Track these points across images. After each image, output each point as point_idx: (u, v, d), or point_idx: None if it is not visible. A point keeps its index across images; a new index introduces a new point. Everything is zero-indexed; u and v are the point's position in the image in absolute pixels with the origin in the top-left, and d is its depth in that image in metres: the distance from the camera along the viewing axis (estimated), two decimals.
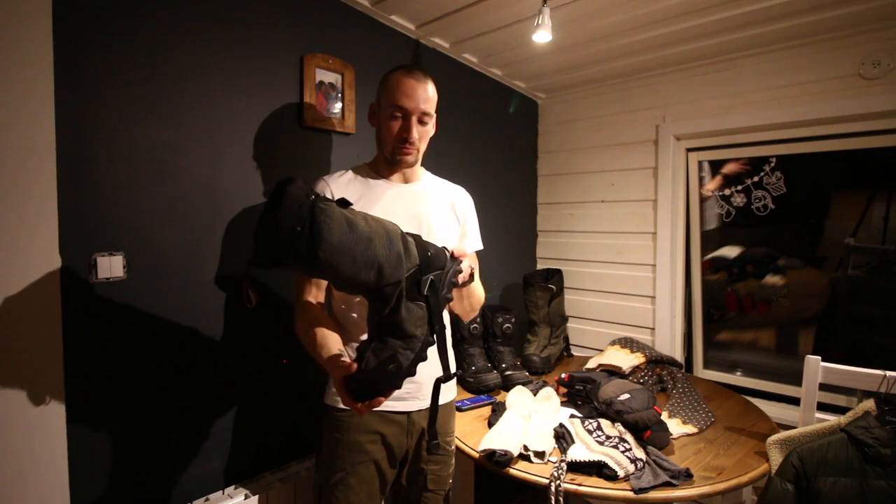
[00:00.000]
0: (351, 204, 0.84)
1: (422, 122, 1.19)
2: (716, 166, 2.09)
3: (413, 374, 0.87)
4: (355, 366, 0.86)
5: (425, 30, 1.82)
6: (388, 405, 1.18)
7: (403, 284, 0.85)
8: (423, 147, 1.23)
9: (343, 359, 0.92)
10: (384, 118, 1.19)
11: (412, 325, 0.86)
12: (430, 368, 1.21)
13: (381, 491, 1.21)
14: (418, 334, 0.87)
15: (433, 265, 0.90)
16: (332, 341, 1.00)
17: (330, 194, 1.17)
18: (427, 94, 1.18)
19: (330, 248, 0.74)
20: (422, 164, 1.33)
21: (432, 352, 0.92)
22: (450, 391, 1.32)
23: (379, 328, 0.88)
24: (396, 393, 1.17)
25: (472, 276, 1.02)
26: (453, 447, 1.33)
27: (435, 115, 1.24)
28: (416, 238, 0.91)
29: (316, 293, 1.16)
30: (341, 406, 1.19)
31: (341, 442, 1.18)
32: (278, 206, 0.71)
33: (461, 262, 0.97)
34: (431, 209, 1.24)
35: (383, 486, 1.21)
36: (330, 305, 1.24)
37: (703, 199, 2.13)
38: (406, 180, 1.26)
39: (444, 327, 0.91)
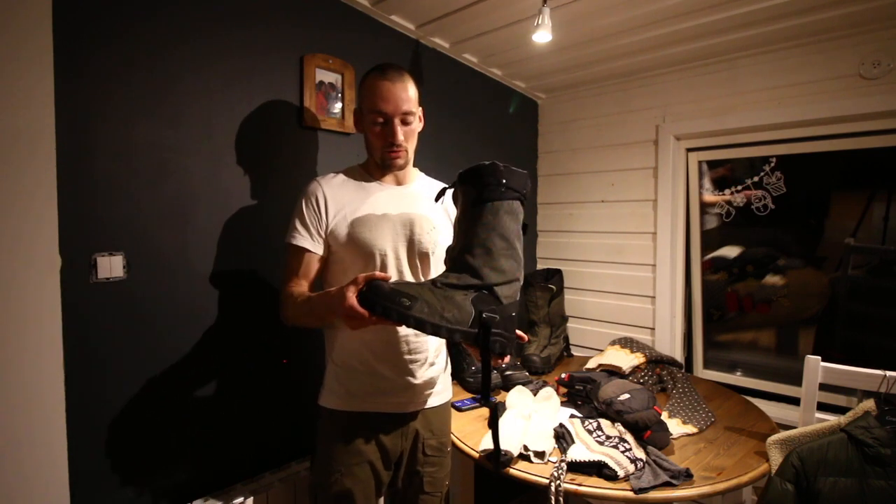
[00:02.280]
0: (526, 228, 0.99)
1: (405, 123, 1.18)
2: (721, 184, 2.09)
3: (409, 325, 0.86)
4: (385, 276, 0.90)
5: (425, 30, 1.82)
6: (381, 406, 1.19)
7: (476, 286, 0.90)
8: (411, 146, 1.23)
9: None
10: (367, 125, 1.19)
11: (449, 305, 0.87)
12: (423, 372, 1.22)
13: (376, 492, 1.21)
14: (448, 316, 0.86)
15: (504, 314, 0.91)
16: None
17: (322, 195, 1.17)
18: (405, 94, 1.17)
19: (492, 211, 0.94)
20: (420, 164, 1.34)
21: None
22: (446, 392, 1.32)
23: (439, 280, 0.91)
24: (390, 394, 1.18)
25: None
26: (449, 448, 1.33)
27: (419, 110, 1.23)
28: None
29: (303, 287, 1.17)
30: (335, 407, 1.20)
31: (335, 443, 1.18)
32: (516, 172, 0.97)
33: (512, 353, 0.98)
34: (424, 211, 1.24)
35: (379, 487, 1.21)
36: None
37: (706, 204, 2.13)
38: (398, 182, 1.26)
39: (488, 364, 0.93)
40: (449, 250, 0.99)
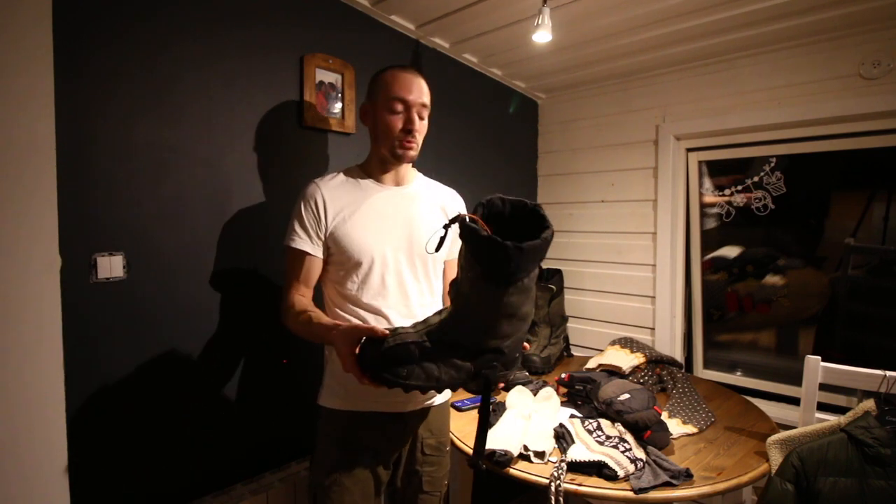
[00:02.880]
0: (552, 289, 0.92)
1: (420, 116, 1.19)
2: (721, 187, 2.10)
3: (407, 391, 0.87)
4: (383, 332, 0.88)
5: (425, 30, 1.82)
6: (380, 406, 1.19)
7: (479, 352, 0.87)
8: (420, 142, 1.23)
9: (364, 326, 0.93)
10: (382, 114, 1.18)
11: (447, 368, 0.86)
12: None
13: (375, 492, 1.21)
14: (445, 378, 0.86)
15: (505, 360, 0.89)
16: (327, 319, 1.05)
17: (321, 197, 1.17)
18: (424, 88, 1.19)
19: (496, 298, 0.81)
20: (420, 164, 1.33)
21: None
22: (444, 392, 1.32)
23: (439, 336, 0.87)
24: (389, 394, 1.17)
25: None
26: (448, 448, 1.33)
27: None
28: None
29: (304, 290, 1.17)
30: (334, 407, 1.20)
31: (334, 443, 1.18)
32: (533, 251, 0.77)
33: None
34: (422, 212, 1.24)
35: (378, 487, 1.21)
36: (323, 307, 1.25)
37: (706, 205, 2.13)
38: (398, 183, 1.26)
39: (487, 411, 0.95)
40: (452, 285, 0.92)
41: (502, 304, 0.82)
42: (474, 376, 0.87)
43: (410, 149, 1.19)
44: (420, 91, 1.18)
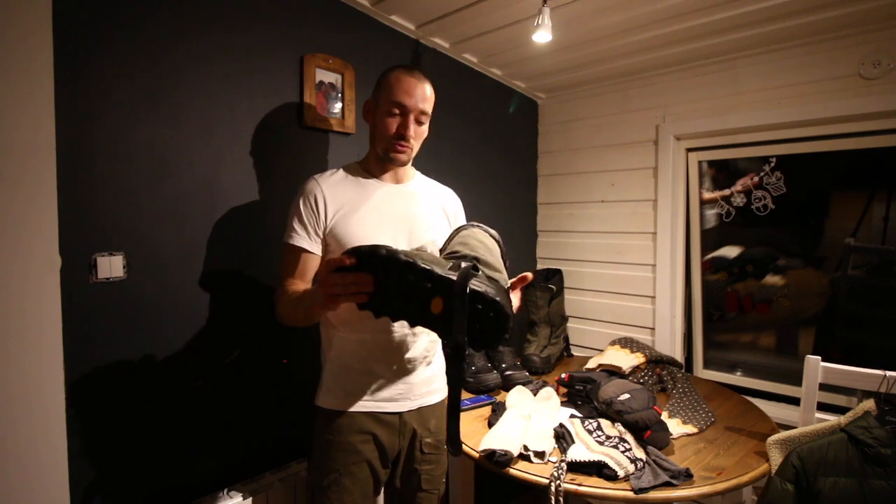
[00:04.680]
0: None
1: (419, 122, 1.19)
2: (720, 183, 2.09)
3: (381, 254, 0.82)
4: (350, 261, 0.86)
5: (425, 30, 1.82)
6: (378, 405, 1.19)
7: (458, 256, 0.89)
8: (416, 146, 1.23)
9: None
10: (381, 115, 1.19)
11: (426, 255, 0.86)
12: (420, 371, 1.22)
13: (374, 491, 1.21)
14: (425, 257, 0.85)
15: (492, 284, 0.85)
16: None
17: (320, 193, 1.17)
18: (426, 94, 1.19)
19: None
20: (420, 164, 1.34)
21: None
22: (442, 391, 1.32)
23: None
24: (387, 394, 1.19)
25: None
26: (446, 447, 1.33)
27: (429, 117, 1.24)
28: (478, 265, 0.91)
29: (300, 284, 1.16)
30: (332, 407, 1.20)
31: (333, 443, 1.18)
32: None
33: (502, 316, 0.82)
34: (422, 210, 1.24)
35: (377, 486, 1.22)
36: None
37: (706, 204, 2.13)
38: (397, 180, 1.26)
39: (462, 348, 0.82)
40: None
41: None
42: (454, 270, 0.83)
43: (402, 153, 1.20)
44: (421, 96, 1.17)
